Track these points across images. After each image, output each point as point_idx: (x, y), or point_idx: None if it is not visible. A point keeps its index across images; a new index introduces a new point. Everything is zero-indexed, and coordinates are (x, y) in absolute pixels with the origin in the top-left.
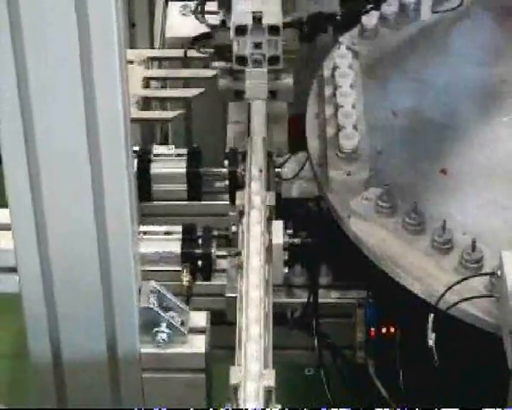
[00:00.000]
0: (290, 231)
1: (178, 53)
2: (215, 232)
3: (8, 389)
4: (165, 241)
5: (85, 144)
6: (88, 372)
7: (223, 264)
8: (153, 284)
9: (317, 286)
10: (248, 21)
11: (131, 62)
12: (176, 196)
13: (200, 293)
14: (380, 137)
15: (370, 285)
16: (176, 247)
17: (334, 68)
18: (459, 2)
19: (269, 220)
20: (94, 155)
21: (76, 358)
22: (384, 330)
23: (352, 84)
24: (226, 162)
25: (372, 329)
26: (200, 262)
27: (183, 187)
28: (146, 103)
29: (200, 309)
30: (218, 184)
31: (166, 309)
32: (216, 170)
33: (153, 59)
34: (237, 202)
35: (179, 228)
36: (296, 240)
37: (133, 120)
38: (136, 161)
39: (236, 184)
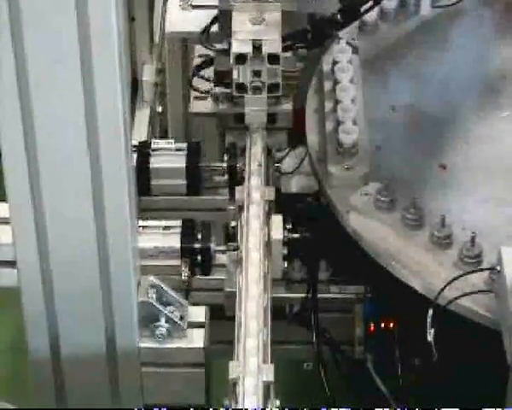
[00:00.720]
0: (289, 226)
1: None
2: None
3: (7, 383)
4: (165, 235)
5: (84, 139)
6: (87, 367)
7: (222, 259)
8: (152, 278)
9: (316, 281)
10: (248, 50)
11: None
12: (175, 190)
13: (199, 288)
14: (379, 132)
15: (369, 280)
16: (175, 241)
17: (334, 63)
18: None
19: (268, 215)
20: (93, 150)
21: (75, 352)
22: (383, 325)
23: (352, 79)
24: (226, 157)
25: (371, 324)
26: (199, 257)
27: (183, 181)
28: None
29: (199, 304)
30: (217, 179)
31: (165, 304)
32: (215, 164)
33: None
34: (237, 196)
35: (178, 222)
36: (295, 235)
37: None
38: (135, 155)
39: (236, 178)
